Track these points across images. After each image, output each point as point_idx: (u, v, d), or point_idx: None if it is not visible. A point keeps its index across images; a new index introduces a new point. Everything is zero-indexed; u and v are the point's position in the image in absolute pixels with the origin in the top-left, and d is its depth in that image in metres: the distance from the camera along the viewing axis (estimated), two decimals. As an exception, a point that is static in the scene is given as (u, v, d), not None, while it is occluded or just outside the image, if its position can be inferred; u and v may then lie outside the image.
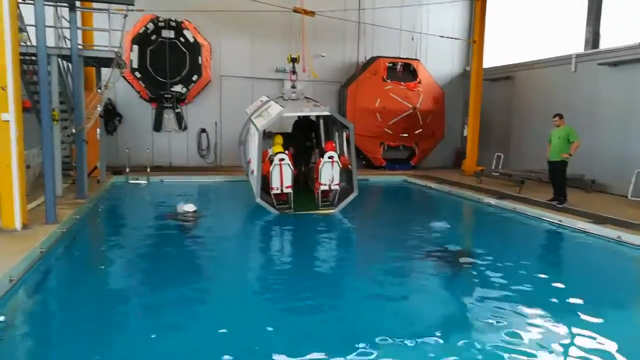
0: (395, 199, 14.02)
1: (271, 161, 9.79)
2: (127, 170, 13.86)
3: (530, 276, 6.48)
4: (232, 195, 12.64)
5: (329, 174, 9.96)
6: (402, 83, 17.29)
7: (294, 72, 12.09)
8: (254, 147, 10.07)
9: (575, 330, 4.75)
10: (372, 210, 11.54)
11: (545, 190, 12.54)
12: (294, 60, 12.17)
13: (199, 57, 16.27)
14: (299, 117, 12.59)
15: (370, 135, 17.15)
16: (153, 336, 4.41)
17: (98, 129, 12.36)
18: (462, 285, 6.20)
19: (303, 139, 12.19)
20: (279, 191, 9.77)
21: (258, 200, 9.70)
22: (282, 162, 9.69)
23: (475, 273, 6.61)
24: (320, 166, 9.98)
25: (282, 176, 9.69)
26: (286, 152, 10.10)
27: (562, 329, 4.79)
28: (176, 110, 16.57)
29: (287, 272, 6.74)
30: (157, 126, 16.57)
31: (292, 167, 9.82)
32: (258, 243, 8.76)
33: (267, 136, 10.56)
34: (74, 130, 9.92)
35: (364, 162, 17.72)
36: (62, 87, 11.51)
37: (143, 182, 13.82)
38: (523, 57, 16.68)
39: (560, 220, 9.66)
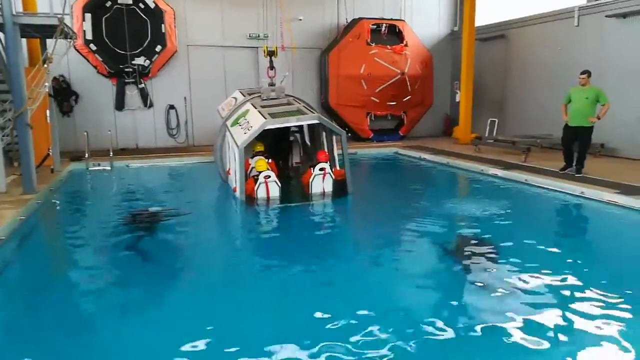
0: (390, 175, 12.74)
1: (255, 179, 8.61)
2: (87, 155, 12.26)
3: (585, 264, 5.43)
4: (207, 182, 11.09)
5: (319, 187, 8.85)
6: (388, 46, 15.84)
7: (272, 67, 10.50)
8: (234, 162, 8.82)
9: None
10: (367, 190, 10.23)
11: (551, 158, 11.52)
12: (271, 54, 10.54)
13: (162, 25, 14.50)
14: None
15: (355, 105, 15.80)
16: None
17: (48, 111, 10.69)
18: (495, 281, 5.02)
19: (278, 139, 10.59)
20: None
21: None
22: (267, 179, 8.53)
23: (512, 262, 5.43)
24: (310, 179, 8.81)
25: (269, 193, 8.57)
26: (269, 161, 8.96)
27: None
28: (140, 86, 14.84)
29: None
30: (119, 104, 14.85)
31: (279, 184, 8.65)
32: (248, 232, 7.60)
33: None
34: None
35: (349, 134, 16.32)
36: (1, 64, 9.77)
37: (106, 168, 12.27)
38: (517, 12, 15.39)
39: (582, 192, 8.57)
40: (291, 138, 11.13)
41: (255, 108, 9.32)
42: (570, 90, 9.79)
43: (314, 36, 16.47)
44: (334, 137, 9.48)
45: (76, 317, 4.43)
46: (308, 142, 10.98)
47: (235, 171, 8.86)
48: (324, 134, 9.75)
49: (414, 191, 9.84)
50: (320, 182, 8.85)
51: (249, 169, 9.04)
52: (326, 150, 9.51)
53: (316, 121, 8.95)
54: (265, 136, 9.00)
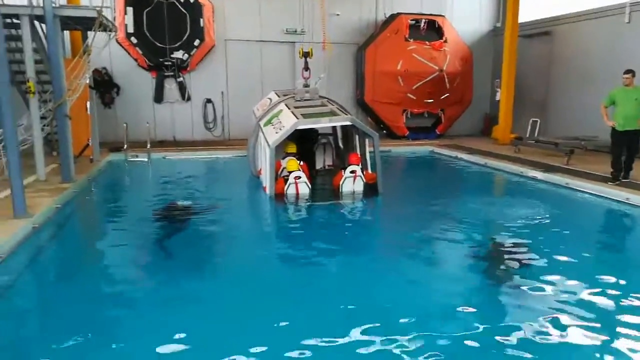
0: (423, 175, 12.43)
1: (285, 179, 8.57)
2: (126, 147, 12.54)
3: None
4: (240, 176, 11.08)
5: (350, 189, 8.74)
6: (427, 42, 15.51)
7: (306, 68, 10.41)
8: (265, 161, 8.82)
9: None
10: (398, 190, 9.99)
11: (596, 161, 11.07)
12: (306, 55, 10.45)
13: (201, 19, 14.67)
14: None
15: (391, 102, 15.56)
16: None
17: (88, 102, 10.96)
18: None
19: (304, 141, 10.36)
20: None
21: None
22: (297, 180, 8.46)
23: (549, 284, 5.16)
24: (341, 181, 8.70)
25: (298, 194, 8.51)
26: (300, 163, 8.84)
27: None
28: (178, 79, 15.08)
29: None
30: (158, 97, 15.13)
31: (309, 185, 8.58)
32: (274, 228, 7.60)
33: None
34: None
35: (384, 131, 16.18)
36: (43, 55, 10.05)
37: (143, 159, 12.51)
38: (564, 8, 14.77)
39: (628, 198, 8.12)
40: (324, 140, 11.01)
41: (289, 108, 9.28)
42: (614, 91, 9.02)
43: (351, 31, 16.30)
44: (367, 139, 9.29)
45: (103, 306, 4.47)
46: (341, 145, 10.85)
47: (266, 170, 8.83)
48: (356, 137, 9.58)
49: (446, 192, 9.54)
50: (351, 184, 8.73)
51: (280, 170, 8.98)
52: (358, 152, 9.35)
53: (348, 123, 8.80)
54: (291, 138, 8.98)
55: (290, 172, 8.56)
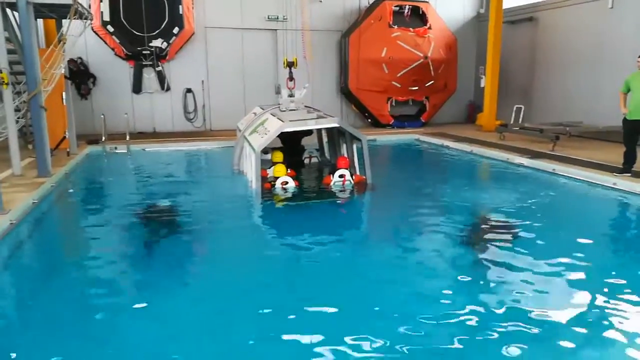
0: (410, 164, 12.32)
1: (272, 185, 8.38)
2: (104, 139, 12.17)
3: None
4: (223, 168, 10.74)
5: (339, 186, 8.58)
6: (411, 29, 15.33)
7: (291, 78, 10.21)
8: (251, 169, 8.66)
9: None
10: (385, 181, 9.68)
11: (581, 147, 11.15)
12: (290, 65, 10.26)
13: (180, 7, 14.23)
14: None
15: (376, 90, 15.39)
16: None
17: (64, 93, 10.58)
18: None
19: (292, 150, 10.21)
20: None
21: None
22: (284, 185, 8.34)
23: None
24: (330, 185, 8.54)
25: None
26: (288, 170, 8.65)
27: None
28: (157, 69, 14.66)
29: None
30: (137, 87, 14.71)
31: (296, 189, 8.42)
32: (259, 225, 7.25)
33: (264, 151, 8.81)
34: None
35: (369, 120, 16.06)
36: (16, 44, 9.64)
37: (122, 152, 12.18)
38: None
39: (614, 184, 8.13)
40: (307, 155, 10.79)
41: (274, 116, 9.20)
42: (630, 77, 8.31)
43: (334, 18, 16.03)
44: (354, 142, 9.06)
45: (82, 306, 4.25)
46: (328, 157, 10.67)
47: (252, 178, 8.62)
48: (344, 145, 9.35)
49: (435, 182, 9.42)
50: (340, 185, 8.57)
51: (266, 179, 8.73)
52: (346, 155, 9.14)
53: (335, 125, 8.62)
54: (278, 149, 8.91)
55: (276, 178, 8.39)
